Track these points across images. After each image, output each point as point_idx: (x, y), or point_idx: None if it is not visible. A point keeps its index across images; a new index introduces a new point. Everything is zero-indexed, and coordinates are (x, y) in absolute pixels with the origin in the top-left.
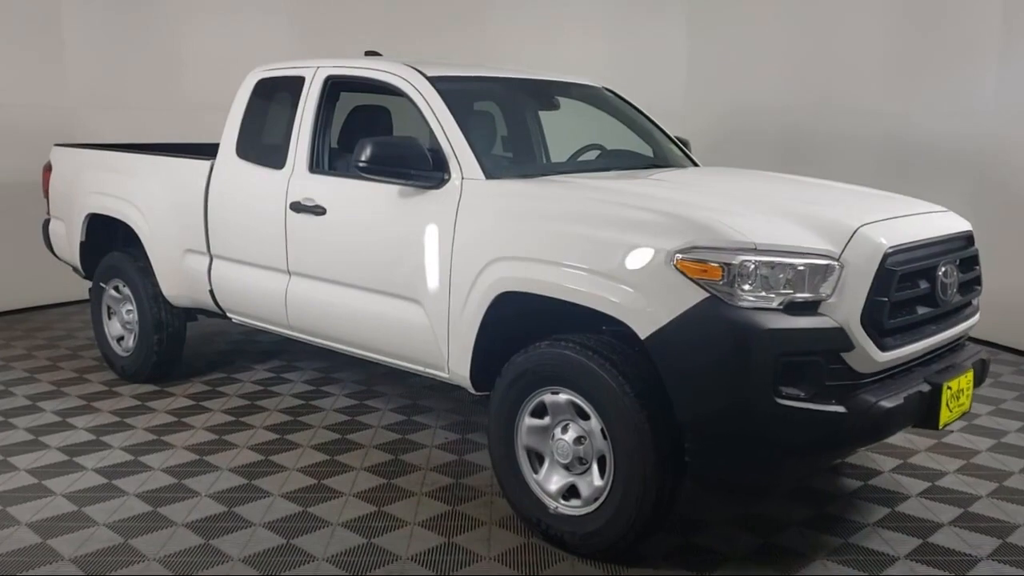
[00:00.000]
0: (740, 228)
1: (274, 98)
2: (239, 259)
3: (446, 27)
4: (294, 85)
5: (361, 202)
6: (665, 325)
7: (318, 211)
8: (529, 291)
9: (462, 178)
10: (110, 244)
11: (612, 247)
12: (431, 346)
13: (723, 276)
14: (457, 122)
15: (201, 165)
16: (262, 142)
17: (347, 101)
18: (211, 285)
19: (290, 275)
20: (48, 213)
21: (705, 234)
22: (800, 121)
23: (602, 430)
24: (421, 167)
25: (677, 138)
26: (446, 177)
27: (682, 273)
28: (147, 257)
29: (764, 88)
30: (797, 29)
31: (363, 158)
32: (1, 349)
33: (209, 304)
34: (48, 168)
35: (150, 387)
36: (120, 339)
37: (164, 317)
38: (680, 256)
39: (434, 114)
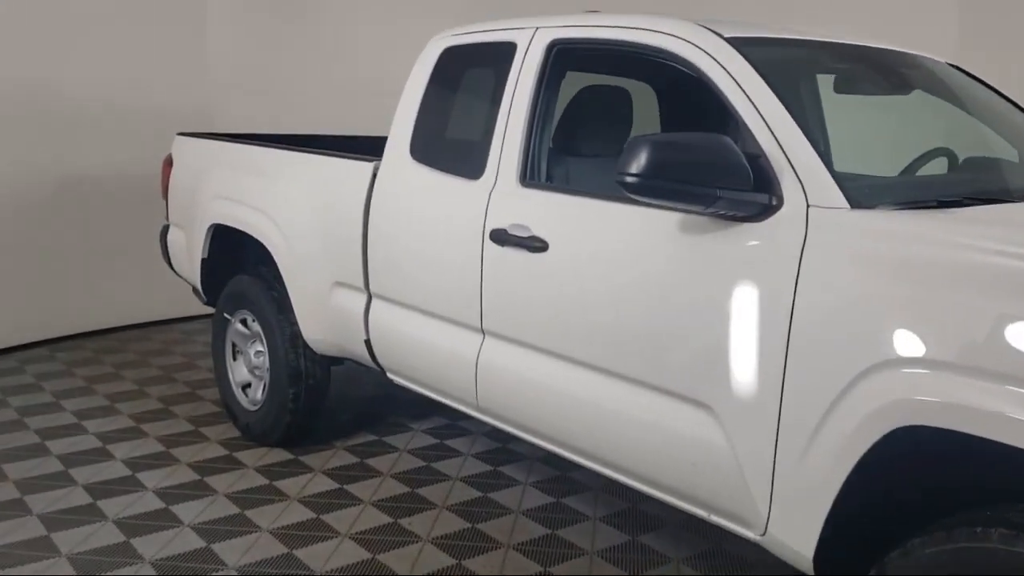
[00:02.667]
0: None
1: (468, 75)
2: (409, 303)
3: None
4: (499, 56)
5: (611, 236)
6: None
7: (534, 245)
8: (965, 430)
9: (807, 205)
10: (239, 264)
11: None
12: (730, 482)
13: None
14: (791, 112)
15: (360, 168)
16: (449, 138)
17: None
18: (368, 333)
19: (484, 335)
20: (167, 218)
21: None
22: None
23: None
24: (734, 184)
25: None
26: (774, 203)
27: None
28: (284, 287)
29: None
30: None
31: (636, 169)
32: (108, 381)
33: (363, 357)
34: (168, 162)
35: (280, 454)
36: (246, 387)
37: (303, 366)
38: None
39: (748, 98)
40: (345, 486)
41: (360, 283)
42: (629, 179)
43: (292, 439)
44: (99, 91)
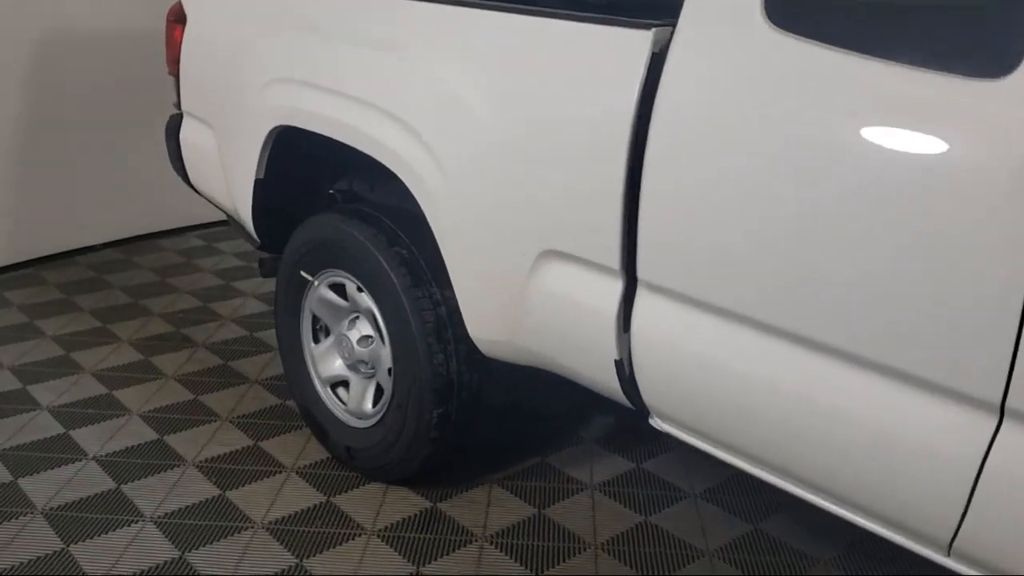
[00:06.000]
0: None
1: None
2: (749, 314)
3: None
4: None
5: None
6: None
7: None
8: None
9: None
10: (319, 191)
11: None
12: None
13: None
14: None
15: (626, 41)
16: None
17: None
18: (626, 352)
19: (1003, 420)
20: (177, 105)
21: None
22: None
23: None
24: None
25: None
26: None
27: None
28: (431, 246)
29: None
30: None
31: None
32: (93, 348)
33: (600, 383)
34: (178, 17)
35: (407, 500)
36: (339, 385)
37: (455, 372)
38: None
39: None
40: None
41: (611, 259)
42: None
43: (426, 475)
44: None
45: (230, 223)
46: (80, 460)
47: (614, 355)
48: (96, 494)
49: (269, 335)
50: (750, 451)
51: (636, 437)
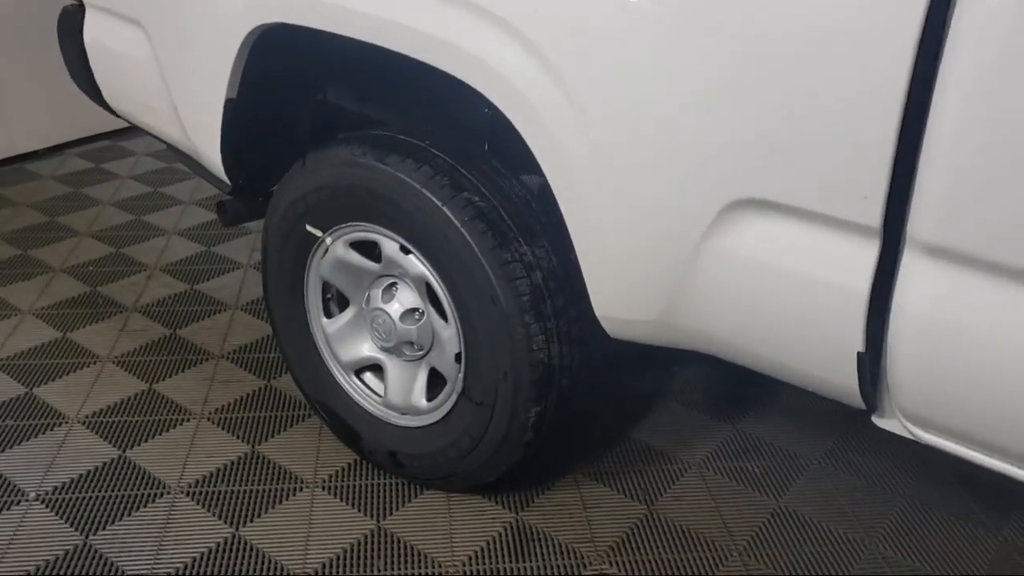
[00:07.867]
0: None
1: None
2: None
3: None
4: None
5: None
6: None
7: None
8: None
9: None
10: (320, 110)
11: None
12: None
13: None
14: None
15: None
16: None
17: None
18: (877, 342)
19: None
20: None
21: None
22: None
23: None
24: None
25: None
26: None
27: None
28: (505, 187)
29: None
30: None
31: None
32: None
33: (825, 379)
34: None
35: (474, 507)
36: (366, 370)
37: (558, 356)
38: None
39: None
40: None
41: (866, 212)
42: None
43: (504, 479)
44: None
45: (184, 163)
46: (20, 503)
47: (858, 345)
48: (59, 555)
49: (214, 287)
50: None
51: (717, 391)
